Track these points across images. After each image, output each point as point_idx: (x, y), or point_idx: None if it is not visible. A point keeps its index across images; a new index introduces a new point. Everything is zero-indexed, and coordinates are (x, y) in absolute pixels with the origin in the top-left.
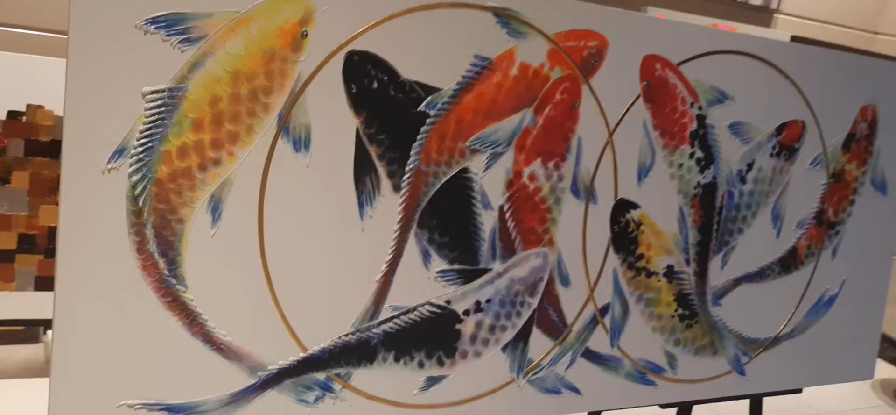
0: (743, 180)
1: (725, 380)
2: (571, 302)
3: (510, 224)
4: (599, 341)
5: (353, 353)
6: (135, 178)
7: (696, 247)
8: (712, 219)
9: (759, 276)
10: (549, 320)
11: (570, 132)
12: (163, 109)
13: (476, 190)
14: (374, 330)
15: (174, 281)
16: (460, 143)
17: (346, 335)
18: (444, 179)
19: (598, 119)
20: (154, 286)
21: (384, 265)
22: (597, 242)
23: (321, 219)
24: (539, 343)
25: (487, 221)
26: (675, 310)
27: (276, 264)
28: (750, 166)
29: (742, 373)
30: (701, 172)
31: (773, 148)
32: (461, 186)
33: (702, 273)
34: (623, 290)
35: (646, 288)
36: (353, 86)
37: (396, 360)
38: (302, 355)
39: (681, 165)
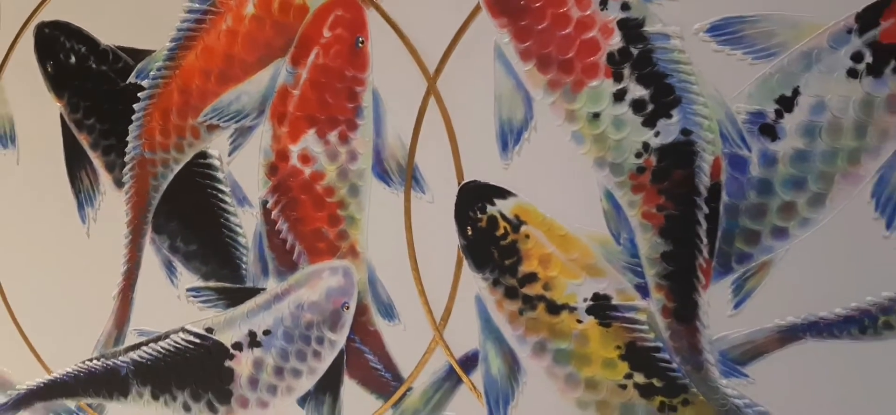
0: (771, 133)
1: None
2: (405, 344)
3: (282, 227)
4: (472, 409)
5: (102, 382)
6: None
7: (660, 264)
8: (692, 211)
9: (852, 326)
10: (370, 369)
11: (358, 85)
12: None
13: (222, 180)
14: (121, 358)
15: None
16: (190, 119)
17: (91, 361)
18: (177, 169)
19: (405, 59)
20: None
21: (120, 279)
22: (436, 253)
23: (43, 224)
24: (360, 401)
25: (249, 223)
26: (627, 373)
27: (6, 274)
28: (788, 102)
29: None
30: (649, 123)
31: (854, 58)
32: (201, 177)
33: (685, 314)
34: (500, 331)
35: (551, 332)
36: (49, 64)
37: (155, 397)
38: (47, 377)
39: (596, 115)
